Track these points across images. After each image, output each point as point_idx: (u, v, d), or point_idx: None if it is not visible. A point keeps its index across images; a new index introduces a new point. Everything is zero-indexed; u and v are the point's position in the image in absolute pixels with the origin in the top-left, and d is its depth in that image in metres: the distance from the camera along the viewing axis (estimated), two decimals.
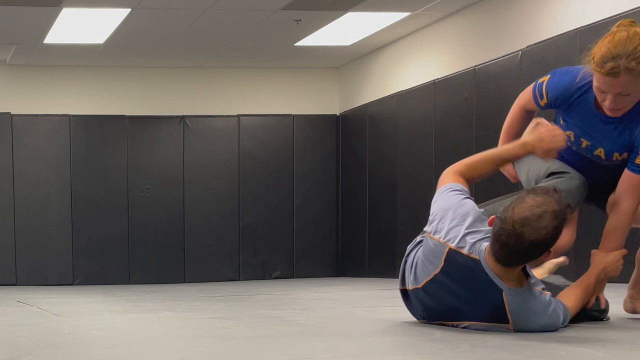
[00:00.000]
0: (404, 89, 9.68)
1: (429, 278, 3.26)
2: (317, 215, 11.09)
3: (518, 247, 2.96)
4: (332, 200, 11.07)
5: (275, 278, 10.98)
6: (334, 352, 2.80)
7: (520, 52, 7.61)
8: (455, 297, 3.18)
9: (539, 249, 2.98)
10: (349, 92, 11.06)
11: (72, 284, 10.57)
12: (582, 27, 6.87)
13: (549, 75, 3.53)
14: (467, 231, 3.17)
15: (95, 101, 10.87)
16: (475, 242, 3.12)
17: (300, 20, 8.83)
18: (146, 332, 3.65)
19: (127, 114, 10.88)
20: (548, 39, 7.28)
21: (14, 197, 10.57)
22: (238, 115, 11.10)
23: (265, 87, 11.20)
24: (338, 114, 11.27)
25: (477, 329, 3.16)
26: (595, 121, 3.43)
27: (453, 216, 3.23)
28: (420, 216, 9.68)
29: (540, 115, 3.62)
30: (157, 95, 11.00)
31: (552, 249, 3.01)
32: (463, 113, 8.49)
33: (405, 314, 3.56)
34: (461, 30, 8.65)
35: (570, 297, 3.32)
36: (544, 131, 3.38)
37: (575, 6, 7.15)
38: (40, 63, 10.59)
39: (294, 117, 11.19)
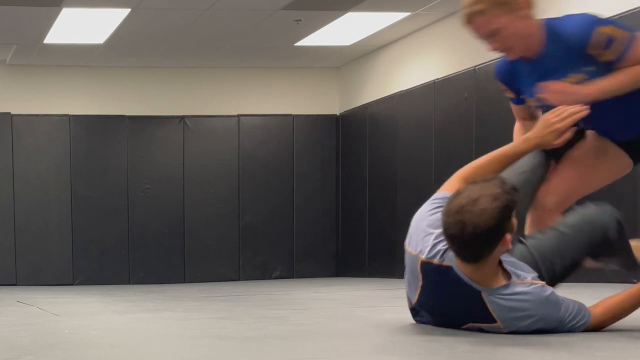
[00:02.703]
0: (404, 89, 9.68)
1: (417, 293, 3.21)
2: (317, 215, 11.09)
3: (463, 236, 2.88)
4: (332, 200, 11.07)
5: (275, 278, 10.98)
6: (334, 352, 2.80)
7: None
8: (446, 307, 3.13)
9: (486, 235, 2.87)
10: (349, 92, 11.06)
11: (72, 284, 10.57)
12: None
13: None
14: (436, 240, 3.10)
15: (95, 101, 10.87)
16: (446, 249, 3.06)
17: (300, 20, 8.82)
18: (146, 332, 3.65)
19: (127, 114, 10.88)
20: None
21: (14, 197, 10.57)
22: (238, 115, 11.10)
23: (265, 87, 11.20)
24: (338, 114, 11.27)
25: (479, 330, 3.13)
26: (524, 74, 3.47)
27: (424, 226, 3.18)
28: None
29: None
30: (157, 95, 11.00)
31: (509, 239, 2.91)
32: (463, 113, 8.49)
33: (405, 314, 3.56)
34: (461, 30, 8.63)
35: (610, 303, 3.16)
36: (543, 121, 3.32)
37: (575, 6, 7.15)
38: (40, 63, 10.59)
39: (294, 117, 11.19)
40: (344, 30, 9.35)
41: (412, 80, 9.52)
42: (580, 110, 3.24)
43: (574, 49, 3.27)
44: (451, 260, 3.03)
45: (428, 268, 3.10)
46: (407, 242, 3.26)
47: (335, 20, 8.91)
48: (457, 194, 2.95)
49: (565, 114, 3.24)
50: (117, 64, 10.72)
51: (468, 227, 2.86)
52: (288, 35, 9.51)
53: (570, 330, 3.02)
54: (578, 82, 3.32)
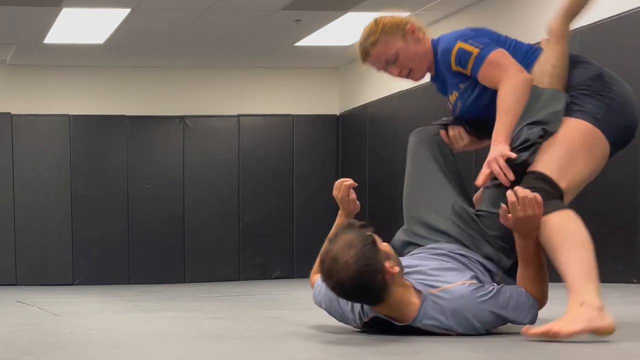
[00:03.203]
0: (404, 89, 9.68)
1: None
2: (317, 215, 11.08)
3: (351, 292, 2.95)
4: (332, 200, 10.95)
5: (275, 278, 10.98)
6: (334, 352, 2.80)
7: None
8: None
9: (365, 281, 2.89)
10: (349, 92, 11.06)
11: (72, 284, 10.57)
12: (582, 27, 6.86)
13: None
14: (348, 305, 3.19)
15: (95, 101, 10.87)
16: (361, 306, 3.12)
17: (300, 20, 8.83)
18: (146, 332, 3.65)
19: (127, 114, 10.88)
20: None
21: (14, 197, 10.57)
22: (238, 115, 11.10)
23: (265, 87, 11.20)
24: (338, 114, 11.27)
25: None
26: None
27: (332, 306, 3.28)
28: None
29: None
30: (157, 95, 11.00)
31: (390, 266, 2.91)
32: None
33: None
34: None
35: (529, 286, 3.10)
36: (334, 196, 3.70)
37: None
38: (40, 63, 10.59)
39: (294, 117, 11.19)
40: (344, 30, 9.34)
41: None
42: (347, 180, 3.72)
43: (446, 66, 3.45)
44: (369, 310, 3.10)
45: (369, 327, 3.16)
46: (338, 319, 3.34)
47: (335, 20, 8.91)
48: (321, 260, 2.98)
49: (340, 185, 3.74)
50: (117, 64, 10.72)
51: (346, 284, 2.91)
52: (288, 35, 9.51)
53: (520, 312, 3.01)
54: (455, 100, 3.49)
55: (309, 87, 11.29)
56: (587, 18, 6.91)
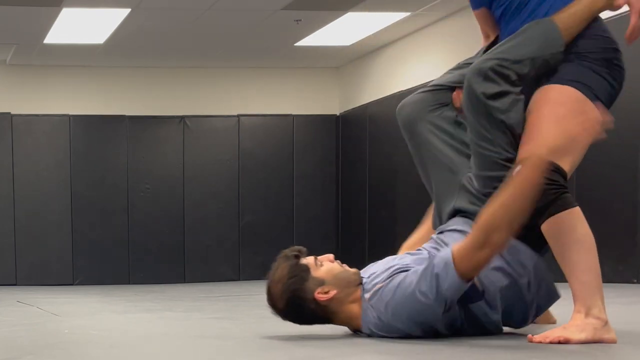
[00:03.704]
0: (404, 89, 9.67)
1: None
2: (317, 215, 11.08)
3: (290, 318, 3.10)
4: (332, 200, 11.07)
5: None
6: (334, 352, 2.80)
7: None
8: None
9: (297, 310, 3.04)
10: (349, 92, 11.06)
11: (72, 284, 10.57)
12: None
13: None
14: None
15: (95, 101, 10.87)
16: None
17: (300, 20, 8.83)
18: (146, 332, 3.65)
19: (127, 114, 10.88)
20: None
21: (14, 197, 10.57)
22: (238, 115, 11.10)
23: (265, 87, 11.20)
24: (338, 114, 11.26)
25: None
26: None
27: None
28: (420, 217, 9.68)
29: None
30: (157, 95, 11.00)
31: (322, 292, 3.00)
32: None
33: None
34: (461, 30, 8.65)
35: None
36: None
37: None
38: (40, 63, 10.59)
39: (294, 117, 11.19)
40: (344, 30, 9.35)
41: (412, 80, 9.51)
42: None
43: None
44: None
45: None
46: None
47: (335, 20, 8.91)
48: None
49: None
50: (117, 64, 10.72)
51: (284, 315, 3.09)
52: (288, 35, 9.51)
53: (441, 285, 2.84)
54: None
55: (309, 87, 11.29)
56: None
